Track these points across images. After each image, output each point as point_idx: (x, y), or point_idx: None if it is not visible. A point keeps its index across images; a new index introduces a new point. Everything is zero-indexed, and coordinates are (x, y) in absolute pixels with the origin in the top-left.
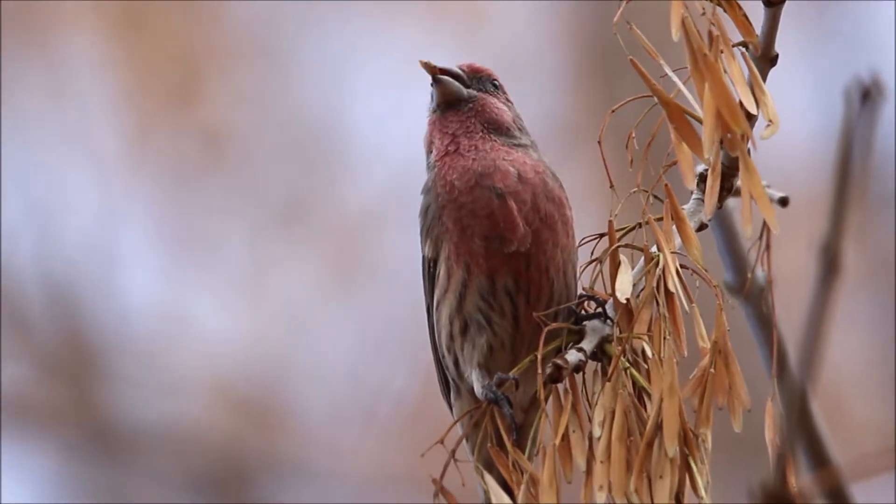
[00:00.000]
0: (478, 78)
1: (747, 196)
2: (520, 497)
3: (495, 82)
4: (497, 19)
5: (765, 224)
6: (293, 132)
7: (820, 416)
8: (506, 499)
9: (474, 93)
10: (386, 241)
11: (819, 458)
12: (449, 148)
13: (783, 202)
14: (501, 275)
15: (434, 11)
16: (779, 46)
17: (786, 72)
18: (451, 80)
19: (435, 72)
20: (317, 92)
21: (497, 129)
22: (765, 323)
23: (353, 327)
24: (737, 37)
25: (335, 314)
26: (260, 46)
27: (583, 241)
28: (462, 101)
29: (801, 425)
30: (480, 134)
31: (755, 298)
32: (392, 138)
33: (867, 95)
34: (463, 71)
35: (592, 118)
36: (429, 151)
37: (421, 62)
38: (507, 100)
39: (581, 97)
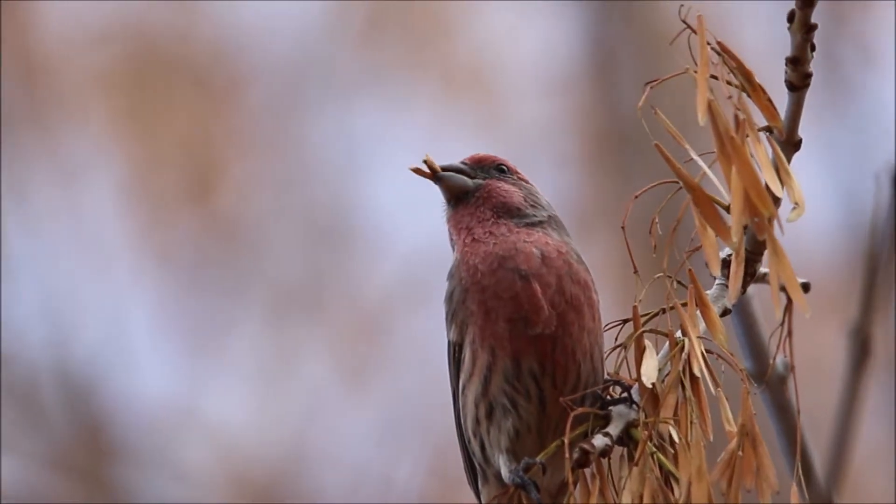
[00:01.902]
0: (482, 167)
1: (775, 280)
2: None
3: (502, 167)
4: (512, 103)
5: (786, 310)
6: (308, 218)
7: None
8: None
9: (480, 181)
10: (401, 326)
11: None
12: (466, 240)
13: (804, 288)
14: (526, 357)
15: (448, 96)
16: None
17: (807, 157)
18: (453, 174)
19: (435, 171)
20: (332, 177)
21: (507, 211)
22: (784, 411)
23: (368, 413)
24: (761, 121)
25: (350, 401)
26: (274, 132)
27: (608, 327)
28: (469, 192)
29: None
30: (492, 220)
31: (775, 386)
32: (407, 223)
33: None
34: (465, 164)
35: (608, 201)
36: (453, 247)
37: (424, 160)
38: (520, 178)
39: (596, 180)
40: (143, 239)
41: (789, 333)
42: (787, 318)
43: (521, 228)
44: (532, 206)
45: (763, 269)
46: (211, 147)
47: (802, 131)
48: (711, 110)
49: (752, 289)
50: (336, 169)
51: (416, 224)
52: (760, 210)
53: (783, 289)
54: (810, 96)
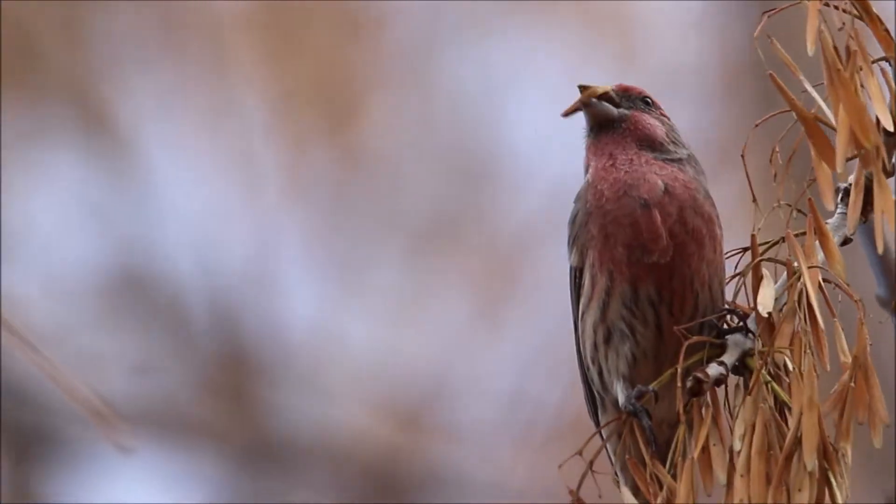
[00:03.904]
0: (628, 97)
1: (879, 213)
2: None
3: (647, 99)
4: (651, 38)
5: None
6: (447, 154)
7: None
8: None
9: (626, 112)
10: (540, 261)
11: None
12: (605, 163)
13: None
14: (644, 284)
15: (589, 31)
16: None
17: None
18: (600, 102)
19: (585, 99)
20: (471, 113)
21: (651, 144)
22: None
23: (508, 344)
24: (879, 52)
25: (490, 332)
26: (414, 68)
27: (727, 256)
28: (614, 121)
29: None
30: (635, 150)
31: None
32: (546, 159)
33: None
34: (613, 91)
35: (744, 140)
36: (586, 172)
37: (579, 86)
38: (662, 115)
39: (738, 114)
40: (286, 171)
41: None
42: None
43: (656, 161)
44: (673, 142)
45: None
46: (350, 84)
47: None
48: (821, 41)
49: None
50: (474, 105)
51: (554, 161)
52: (864, 143)
53: None
54: None
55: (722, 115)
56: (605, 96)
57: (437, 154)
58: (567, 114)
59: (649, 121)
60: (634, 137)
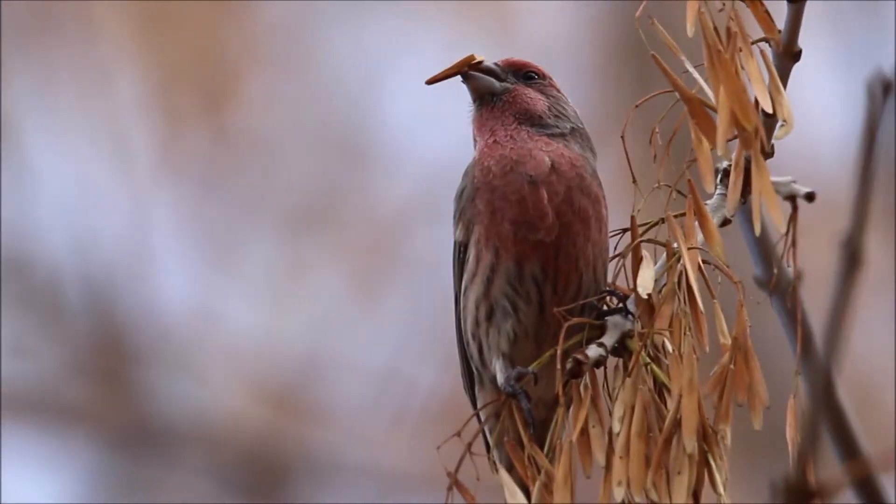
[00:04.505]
0: (514, 72)
1: (757, 194)
2: (534, 494)
3: (532, 73)
4: (528, 16)
5: (791, 219)
6: (324, 131)
7: (851, 408)
8: (519, 496)
9: (508, 86)
10: (416, 240)
11: (849, 449)
12: (488, 140)
13: (809, 197)
14: (529, 261)
15: (464, 10)
16: (806, 40)
17: (814, 66)
18: (481, 75)
19: (466, 63)
20: (348, 91)
21: (529, 118)
22: (793, 317)
23: (384, 324)
24: (760, 33)
25: (366, 311)
26: (290, 46)
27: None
28: (495, 94)
29: (829, 418)
30: (514, 125)
31: (784, 293)
32: (423, 137)
33: (889, 88)
34: (497, 65)
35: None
36: (474, 146)
37: (456, 62)
38: (551, 85)
39: (613, 93)
40: (160, 150)
41: (793, 243)
42: (791, 228)
43: (541, 137)
44: (556, 115)
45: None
46: (225, 61)
47: (808, 41)
48: (701, 22)
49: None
50: (352, 83)
51: (431, 139)
52: (744, 124)
53: (789, 198)
54: (820, 5)
55: (597, 93)
56: (487, 70)
57: (314, 132)
58: (433, 81)
59: (530, 94)
60: (513, 111)
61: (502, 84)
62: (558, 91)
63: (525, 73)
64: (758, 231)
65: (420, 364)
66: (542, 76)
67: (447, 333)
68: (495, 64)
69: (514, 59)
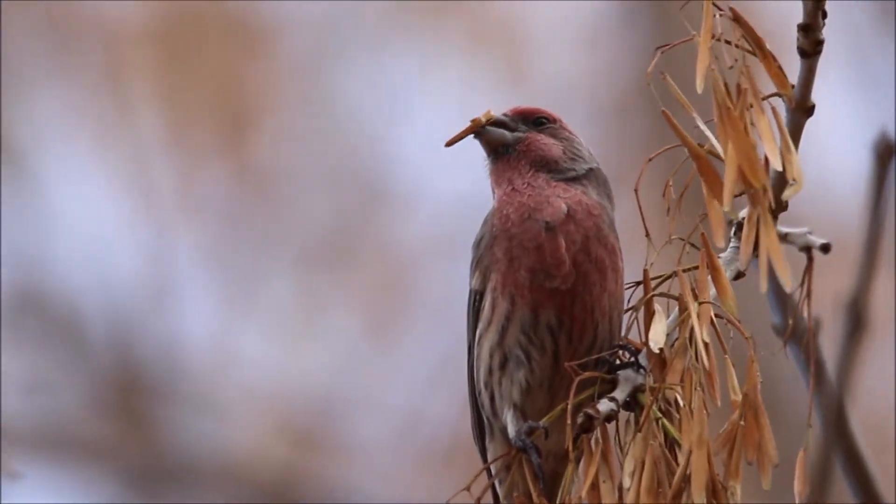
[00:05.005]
0: (524, 119)
1: (764, 253)
2: None
3: (542, 119)
4: (542, 57)
5: (806, 271)
6: (341, 169)
7: (870, 458)
8: None
9: (521, 135)
10: (432, 278)
11: (868, 497)
12: (507, 189)
13: (825, 249)
14: (545, 309)
15: (479, 49)
16: (824, 92)
17: (831, 118)
18: (493, 128)
19: (473, 127)
20: (365, 129)
21: (545, 165)
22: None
23: (401, 362)
24: (773, 88)
25: (382, 349)
26: (308, 83)
27: None
28: (509, 146)
29: (845, 462)
30: (532, 172)
31: (802, 342)
32: (438, 175)
33: (892, 151)
34: (507, 116)
35: (637, 160)
36: (494, 198)
37: (471, 122)
38: (563, 128)
39: (628, 137)
40: (180, 186)
41: (808, 294)
42: (806, 279)
43: (558, 183)
44: (571, 158)
45: (783, 230)
46: (244, 98)
47: (824, 93)
48: (712, 77)
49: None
50: (368, 121)
51: (447, 178)
52: (752, 182)
53: (805, 249)
54: (835, 60)
55: (612, 136)
56: (497, 122)
57: (332, 169)
58: (451, 143)
59: (544, 141)
60: (528, 160)
61: (514, 134)
62: (570, 133)
63: (535, 120)
64: (764, 288)
65: (436, 402)
66: (553, 120)
67: (463, 373)
68: (504, 115)
69: (522, 107)
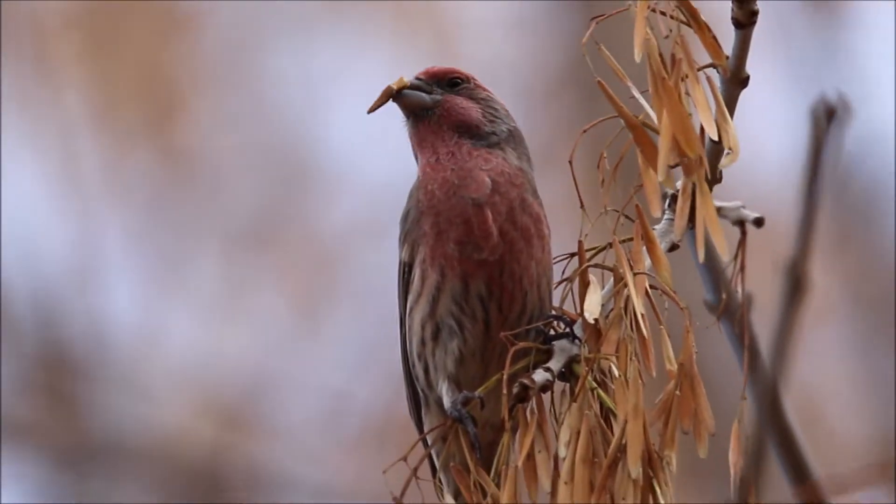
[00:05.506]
0: (437, 81)
1: (701, 222)
2: None
3: (457, 79)
4: (472, 37)
5: (739, 245)
6: (267, 154)
7: (800, 434)
8: None
9: (438, 97)
10: (359, 259)
11: (798, 469)
12: (430, 159)
13: (758, 222)
14: (475, 279)
15: (407, 31)
16: (758, 66)
17: (763, 91)
18: (411, 92)
19: (392, 92)
20: (291, 114)
21: (467, 130)
22: (741, 342)
23: (328, 342)
24: (709, 59)
25: (309, 330)
26: (234, 69)
27: (555, 261)
28: (428, 108)
29: (778, 440)
30: (455, 139)
31: (733, 317)
32: (366, 159)
33: (833, 114)
34: (420, 79)
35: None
36: (416, 162)
37: (382, 90)
38: (476, 86)
39: (560, 115)
40: (106, 169)
41: (742, 268)
42: (739, 253)
43: (479, 151)
44: (490, 121)
45: (717, 203)
46: (170, 81)
47: (759, 66)
48: (647, 48)
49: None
50: (294, 105)
51: (374, 160)
52: (687, 152)
53: (738, 223)
54: (769, 31)
55: (542, 115)
56: (413, 86)
57: (258, 152)
58: (373, 109)
59: (462, 105)
60: (450, 124)
61: (432, 97)
62: (485, 90)
63: (449, 80)
64: (701, 258)
65: (365, 383)
66: (466, 79)
67: (392, 353)
68: (418, 78)
69: (434, 68)
